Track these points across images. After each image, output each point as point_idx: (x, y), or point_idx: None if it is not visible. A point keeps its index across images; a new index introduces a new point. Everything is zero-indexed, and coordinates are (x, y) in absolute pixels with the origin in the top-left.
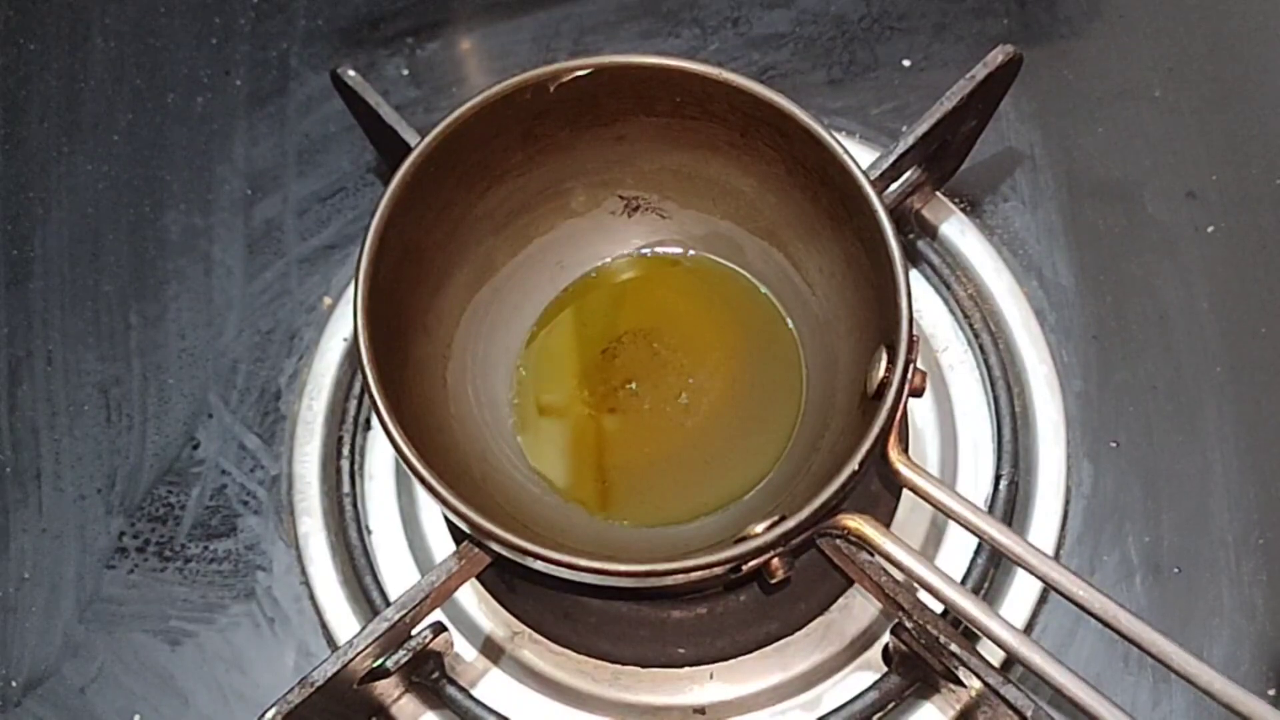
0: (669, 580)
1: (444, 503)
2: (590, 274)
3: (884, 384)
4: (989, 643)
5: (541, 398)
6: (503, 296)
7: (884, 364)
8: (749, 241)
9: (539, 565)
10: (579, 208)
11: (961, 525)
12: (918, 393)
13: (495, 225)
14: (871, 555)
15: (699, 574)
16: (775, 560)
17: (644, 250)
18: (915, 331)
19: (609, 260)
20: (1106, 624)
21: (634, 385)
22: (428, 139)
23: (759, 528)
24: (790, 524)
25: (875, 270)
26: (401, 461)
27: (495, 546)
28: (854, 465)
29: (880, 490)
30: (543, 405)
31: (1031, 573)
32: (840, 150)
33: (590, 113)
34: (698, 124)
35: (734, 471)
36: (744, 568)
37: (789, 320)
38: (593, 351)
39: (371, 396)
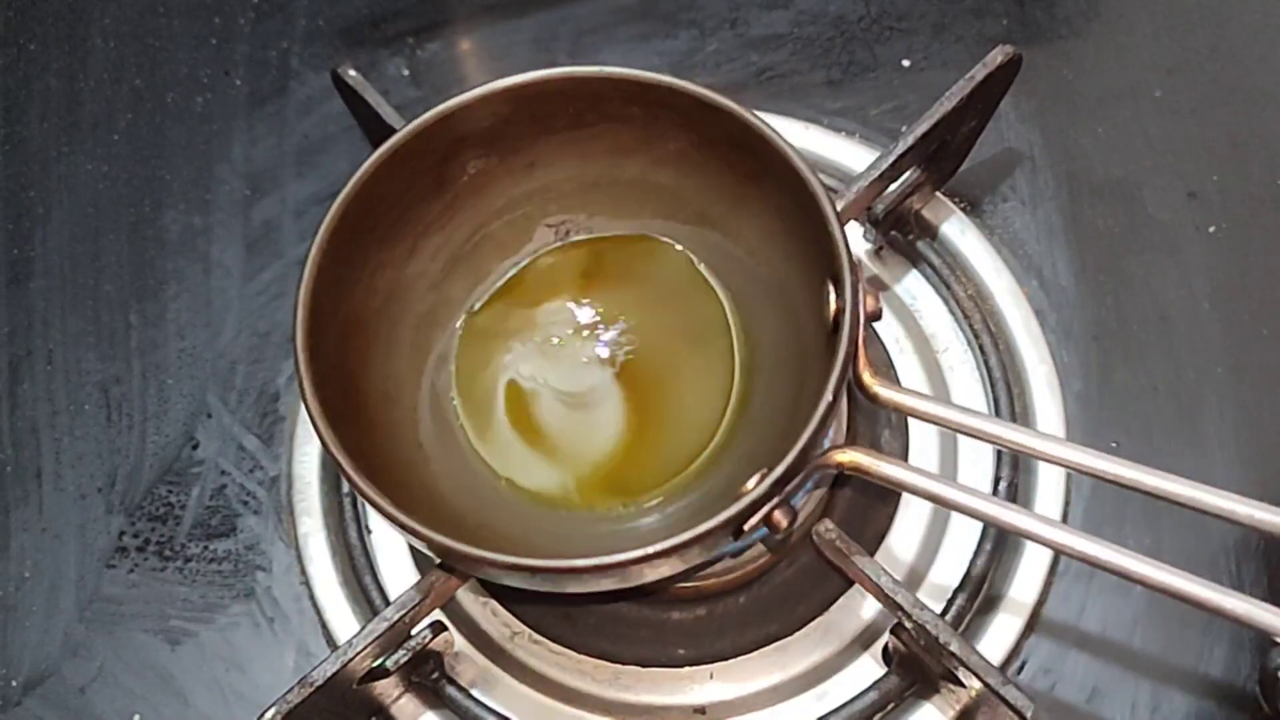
0: (675, 561)
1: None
2: (511, 281)
3: (838, 314)
4: (989, 642)
5: (495, 419)
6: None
7: (834, 296)
8: (683, 232)
9: (539, 583)
10: (510, 247)
11: (955, 430)
12: (874, 316)
13: (431, 282)
14: (860, 554)
15: (701, 546)
16: (776, 513)
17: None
18: (856, 258)
19: (527, 260)
20: (1126, 486)
21: (581, 379)
22: (334, 206)
23: (750, 484)
24: (780, 469)
25: (803, 212)
26: (387, 520)
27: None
28: (828, 396)
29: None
30: (494, 426)
31: (1040, 458)
32: (731, 105)
33: (494, 146)
34: (600, 129)
35: (695, 443)
36: (745, 526)
37: (719, 288)
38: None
39: (341, 469)
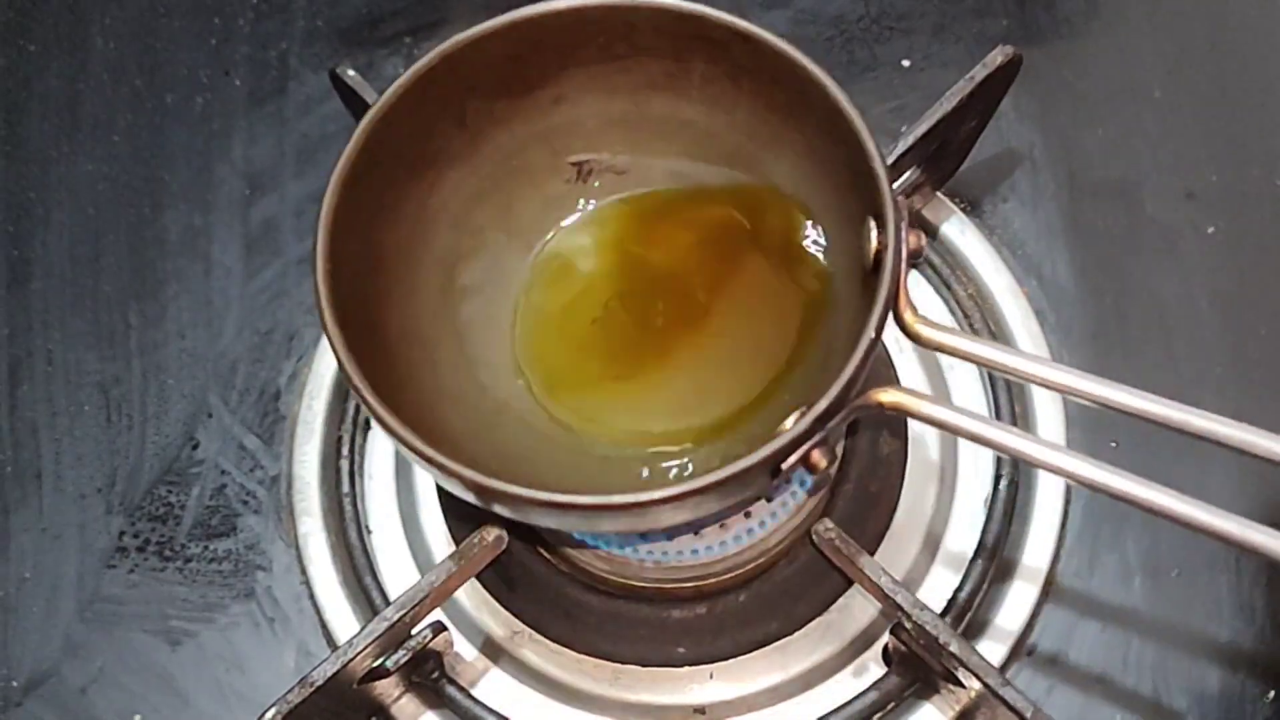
0: (710, 501)
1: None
2: (555, 238)
3: (879, 252)
4: (989, 642)
5: (545, 363)
6: (480, 290)
7: (875, 234)
8: (711, 173)
9: (558, 519)
10: (533, 184)
11: (999, 371)
12: (916, 254)
13: (453, 218)
14: (856, 558)
15: (739, 484)
16: (815, 453)
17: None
18: (899, 195)
19: (573, 219)
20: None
21: (627, 322)
22: (355, 136)
23: (788, 422)
24: (821, 406)
25: (842, 149)
26: (418, 458)
27: (510, 509)
28: (870, 333)
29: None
30: (548, 367)
31: (1079, 397)
32: (768, 36)
33: (520, 78)
34: (630, 62)
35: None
36: (784, 465)
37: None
38: (580, 312)
39: (356, 391)
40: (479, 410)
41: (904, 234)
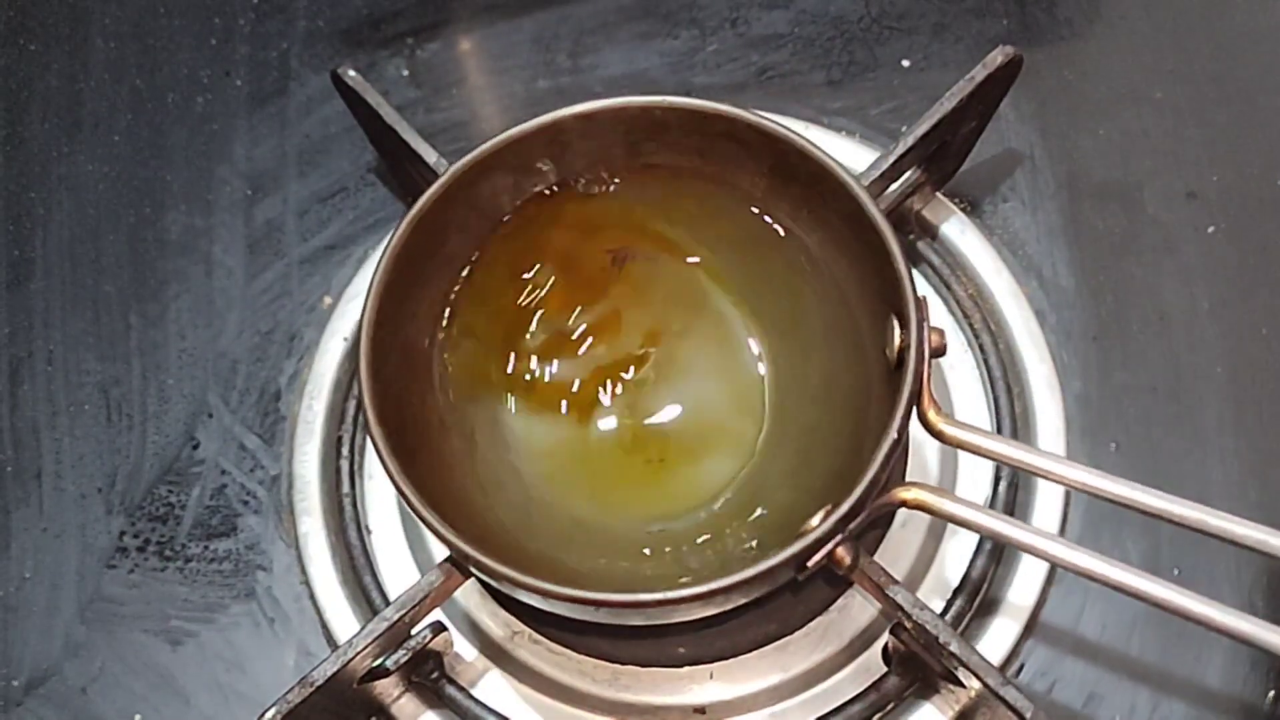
0: (736, 596)
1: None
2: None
3: (902, 350)
4: (988, 644)
5: (551, 448)
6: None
7: (898, 332)
8: (742, 259)
9: (590, 614)
10: (569, 276)
11: (1026, 471)
12: (939, 352)
13: (486, 312)
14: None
15: (764, 582)
16: (839, 550)
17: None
18: (921, 293)
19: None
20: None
21: (625, 416)
22: (392, 240)
23: (814, 520)
24: (844, 507)
25: (865, 245)
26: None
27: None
28: (892, 435)
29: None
30: (553, 454)
31: (1113, 500)
32: (791, 135)
33: (550, 176)
34: (659, 156)
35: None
36: (809, 563)
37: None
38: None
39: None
40: (515, 498)
41: (926, 334)
